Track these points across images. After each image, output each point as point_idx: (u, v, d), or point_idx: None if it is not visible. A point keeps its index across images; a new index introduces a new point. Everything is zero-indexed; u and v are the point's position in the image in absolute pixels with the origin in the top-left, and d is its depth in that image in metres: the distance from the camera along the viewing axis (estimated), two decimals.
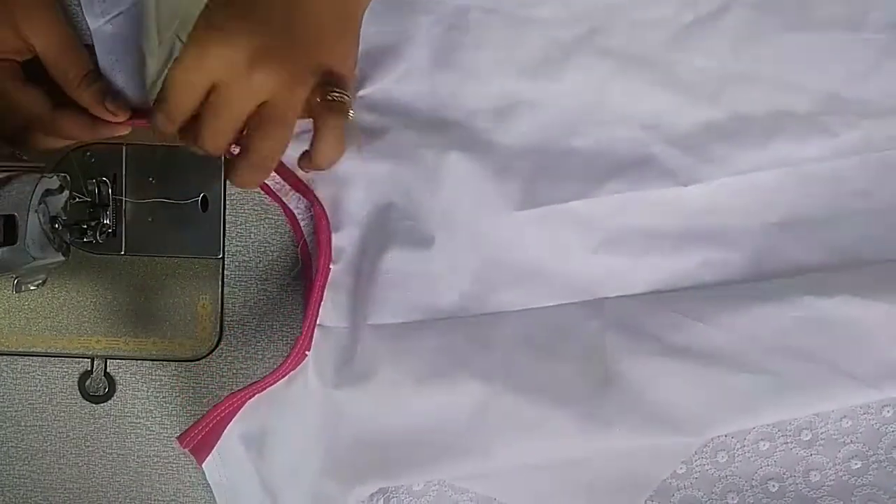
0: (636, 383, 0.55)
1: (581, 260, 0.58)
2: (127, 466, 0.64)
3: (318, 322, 0.58)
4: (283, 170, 0.58)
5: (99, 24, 0.58)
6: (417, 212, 0.58)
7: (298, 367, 0.58)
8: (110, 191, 0.59)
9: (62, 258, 0.56)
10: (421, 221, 0.58)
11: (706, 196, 0.57)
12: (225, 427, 0.58)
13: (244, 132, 0.50)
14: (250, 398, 0.58)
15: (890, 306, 0.55)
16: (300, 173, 0.58)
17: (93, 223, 0.59)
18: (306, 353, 0.58)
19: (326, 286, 0.58)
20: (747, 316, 0.56)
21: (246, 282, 0.63)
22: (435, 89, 0.58)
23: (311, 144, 0.52)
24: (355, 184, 0.58)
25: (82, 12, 0.58)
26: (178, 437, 0.58)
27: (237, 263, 0.62)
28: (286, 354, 0.57)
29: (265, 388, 0.57)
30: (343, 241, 0.59)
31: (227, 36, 0.47)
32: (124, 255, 0.60)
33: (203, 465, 0.58)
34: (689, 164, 0.57)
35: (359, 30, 0.53)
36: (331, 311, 0.58)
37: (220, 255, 0.62)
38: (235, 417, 0.58)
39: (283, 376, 0.57)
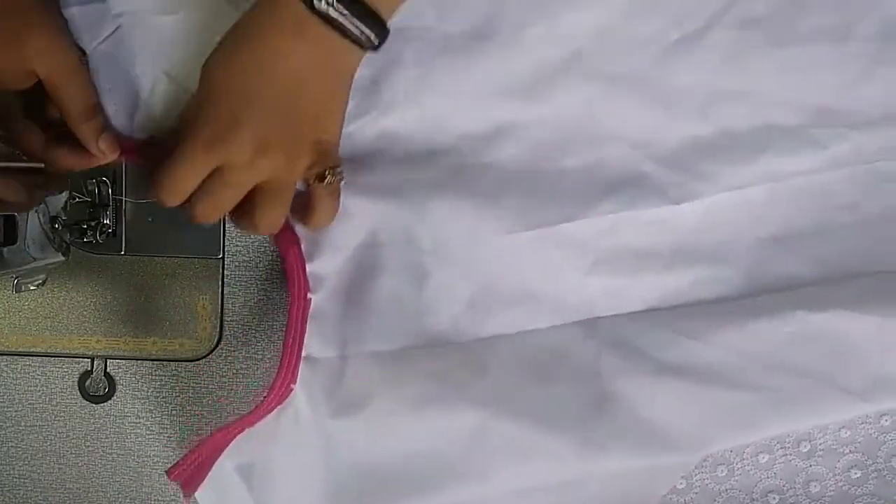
0: (632, 403, 0.56)
1: (574, 281, 0.58)
2: (127, 466, 0.64)
3: (304, 354, 0.57)
4: None
5: (93, 45, 0.57)
6: (407, 239, 0.57)
7: (286, 401, 0.57)
8: (110, 191, 0.59)
9: (62, 258, 0.57)
10: (411, 248, 0.57)
11: (698, 213, 0.57)
12: (215, 461, 0.57)
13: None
14: (239, 433, 0.57)
15: (882, 319, 0.55)
16: None
17: (93, 223, 0.59)
18: (292, 386, 0.57)
19: (308, 317, 0.58)
20: (741, 333, 0.56)
21: (246, 282, 0.63)
22: (423, 115, 0.58)
23: (307, 212, 0.55)
24: (343, 214, 0.57)
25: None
26: (167, 471, 0.57)
27: (237, 263, 0.62)
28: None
29: (254, 424, 0.57)
30: (324, 268, 0.58)
31: (235, 129, 0.49)
32: (124, 255, 0.60)
33: (197, 496, 0.57)
34: (680, 181, 0.57)
35: (349, 93, 0.53)
36: (317, 342, 0.58)
37: (220, 255, 0.62)
38: (225, 452, 0.57)
39: (269, 412, 0.57)
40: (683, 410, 0.56)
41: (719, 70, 0.57)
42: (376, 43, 0.50)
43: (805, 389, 0.55)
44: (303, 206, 0.55)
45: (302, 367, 0.57)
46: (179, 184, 0.51)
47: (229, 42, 0.50)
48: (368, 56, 0.52)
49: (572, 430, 0.56)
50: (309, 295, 0.57)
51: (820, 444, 0.58)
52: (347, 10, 0.48)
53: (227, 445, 0.57)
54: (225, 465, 0.57)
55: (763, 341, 0.56)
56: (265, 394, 0.57)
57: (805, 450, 0.58)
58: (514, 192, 0.57)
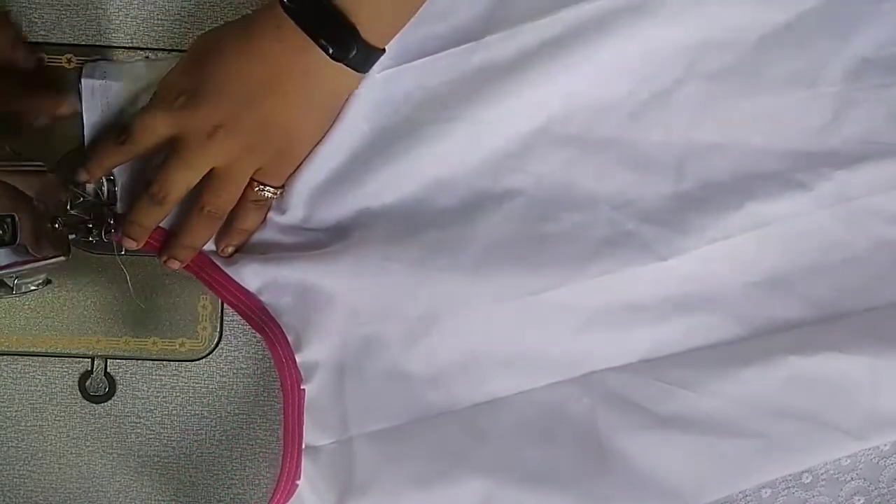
0: (631, 458, 0.57)
1: (566, 339, 0.58)
2: (127, 466, 0.64)
3: (304, 445, 0.57)
4: (239, 308, 0.58)
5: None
6: (394, 315, 0.58)
7: (292, 498, 0.58)
8: (116, 189, 0.59)
9: (62, 258, 0.56)
10: (398, 323, 0.58)
11: (686, 266, 0.57)
12: None
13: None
14: None
15: (873, 359, 0.56)
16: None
17: (96, 221, 0.59)
18: (296, 483, 0.57)
19: (305, 409, 0.58)
20: (734, 380, 0.56)
21: None
22: (402, 197, 0.58)
23: (233, 216, 0.57)
24: (325, 300, 0.58)
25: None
26: None
27: None
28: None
29: None
30: (314, 356, 0.58)
31: (202, 102, 0.52)
32: (124, 255, 0.60)
33: None
34: (666, 237, 0.57)
35: (337, 109, 0.55)
36: (316, 431, 0.58)
37: None
38: None
39: None
40: (683, 462, 0.57)
41: (692, 123, 0.57)
42: (351, 55, 0.52)
43: (801, 433, 0.56)
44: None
45: (304, 460, 0.57)
46: (139, 136, 0.54)
47: (230, 26, 0.53)
48: (353, 153, 0.56)
49: (575, 489, 0.57)
50: (302, 386, 0.58)
51: (822, 475, 0.59)
52: (314, 10, 0.50)
53: None
54: None
55: (757, 388, 0.56)
56: (272, 493, 0.57)
57: (807, 481, 0.59)
58: (499, 262, 0.57)
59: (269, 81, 0.52)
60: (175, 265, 0.57)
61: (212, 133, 0.52)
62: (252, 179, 0.55)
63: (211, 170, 0.54)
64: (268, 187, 0.56)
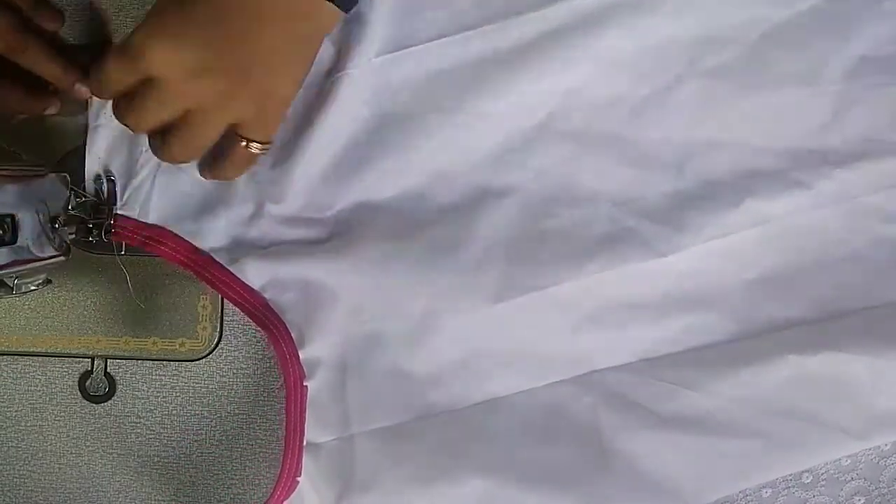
0: (632, 458, 0.57)
1: (565, 338, 0.58)
2: (127, 466, 0.64)
3: (305, 441, 0.57)
4: (242, 306, 0.58)
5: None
6: (395, 313, 0.58)
7: (292, 495, 0.57)
8: (116, 188, 0.59)
9: (62, 258, 0.56)
10: (400, 321, 0.58)
11: (685, 263, 0.57)
12: None
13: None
14: None
15: (873, 358, 0.56)
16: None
17: (96, 221, 0.59)
18: (297, 479, 0.57)
19: (307, 405, 0.58)
20: (734, 380, 0.57)
21: None
22: (405, 192, 0.58)
23: (215, 159, 0.54)
24: (328, 298, 0.58)
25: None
26: None
27: None
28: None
29: None
30: (317, 353, 0.58)
31: (178, 41, 0.48)
32: (124, 255, 0.60)
33: None
34: (665, 234, 0.57)
35: (312, 59, 0.53)
36: (317, 428, 0.58)
37: None
38: None
39: None
40: (684, 462, 0.57)
41: (692, 121, 0.58)
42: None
43: (801, 432, 0.57)
44: (213, 153, 0.54)
45: (305, 457, 0.57)
46: (113, 75, 0.50)
47: None
48: (352, 140, 0.54)
49: (575, 489, 0.57)
50: (305, 382, 0.58)
51: (822, 475, 0.59)
52: None
53: None
54: None
55: (757, 387, 0.56)
56: (272, 489, 0.57)
57: (807, 481, 0.59)
58: (500, 260, 0.57)
59: (254, 21, 0.49)
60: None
61: (191, 75, 0.49)
62: (237, 135, 0.52)
63: (186, 112, 0.51)
64: (254, 143, 0.53)
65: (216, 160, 0.55)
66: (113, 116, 0.52)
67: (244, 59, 0.50)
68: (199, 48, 0.49)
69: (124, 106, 0.51)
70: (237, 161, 0.54)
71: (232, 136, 0.52)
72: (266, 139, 0.53)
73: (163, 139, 0.52)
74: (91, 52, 0.59)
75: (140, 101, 0.50)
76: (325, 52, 0.57)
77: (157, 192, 0.58)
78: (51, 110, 0.57)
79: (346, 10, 0.50)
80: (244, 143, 0.53)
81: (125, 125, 0.52)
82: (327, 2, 0.49)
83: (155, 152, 0.53)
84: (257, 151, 0.53)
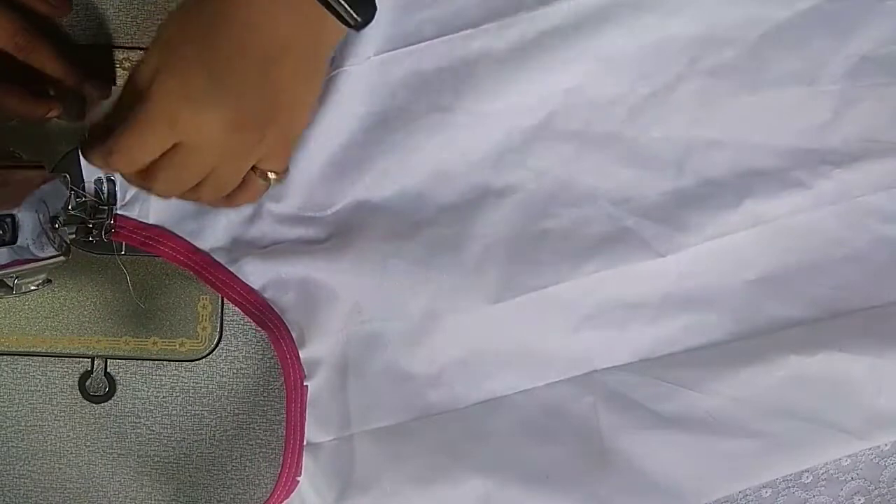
0: (632, 458, 0.57)
1: (564, 338, 0.58)
2: (127, 466, 0.64)
3: (305, 441, 0.57)
4: (243, 306, 0.58)
5: None
6: (395, 313, 0.58)
7: (292, 494, 0.57)
8: (116, 189, 0.59)
9: (62, 258, 0.56)
10: (400, 321, 0.58)
11: (684, 262, 0.57)
12: None
13: None
14: None
15: (873, 358, 0.56)
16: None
17: (96, 221, 0.59)
18: (297, 479, 0.57)
19: (307, 405, 0.58)
20: (734, 380, 0.57)
21: None
22: (404, 192, 0.58)
23: (231, 196, 0.52)
24: (328, 297, 0.58)
25: None
26: None
27: None
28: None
29: None
30: (318, 352, 0.58)
31: (203, 109, 0.46)
32: (124, 255, 0.60)
33: None
34: (664, 234, 0.57)
35: (317, 95, 0.52)
36: (317, 427, 0.58)
37: None
38: None
39: None
40: (684, 462, 0.57)
41: (692, 120, 0.58)
42: (360, 20, 0.47)
43: (802, 432, 0.56)
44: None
45: (305, 457, 0.57)
46: (137, 155, 0.47)
47: (192, 1, 0.46)
48: (351, 138, 0.54)
49: (575, 489, 0.57)
50: (305, 382, 0.58)
51: (822, 475, 0.59)
52: None
53: None
54: None
55: (758, 387, 0.56)
56: (272, 489, 0.57)
57: (807, 481, 0.59)
58: (499, 260, 0.57)
59: (273, 57, 0.46)
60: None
61: (222, 134, 0.46)
62: (255, 168, 0.51)
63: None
64: (272, 174, 0.51)
65: (228, 197, 0.53)
66: None
67: (269, 108, 0.48)
68: (227, 109, 0.46)
69: (157, 181, 0.48)
70: (254, 192, 0.52)
71: (249, 172, 0.51)
72: (282, 168, 0.52)
73: (193, 191, 0.50)
74: (93, 53, 0.59)
75: (173, 169, 0.48)
76: None
77: None
78: (52, 114, 0.56)
79: (359, 28, 0.48)
80: (262, 178, 0.51)
81: (163, 196, 0.50)
82: (334, 17, 0.47)
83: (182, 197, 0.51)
84: (275, 180, 0.52)
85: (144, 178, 0.49)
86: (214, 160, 0.48)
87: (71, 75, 0.55)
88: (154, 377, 0.63)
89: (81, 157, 0.57)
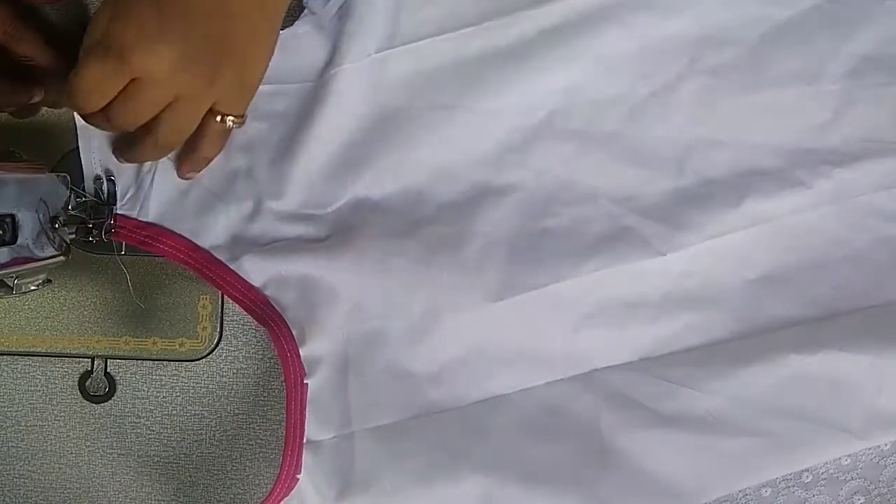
0: (633, 457, 0.57)
1: (565, 336, 0.58)
2: (127, 466, 0.64)
3: (305, 439, 0.57)
4: (243, 303, 0.58)
5: None
6: (395, 312, 0.58)
7: (292, 492, 0.57)
8: (116, 189, 0.59)
9: (62, 258, 0.56)
10: (400, 320, 0.58)
11: (684, 261, 0.57)
12: None
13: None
14: None
15: (874, 357, 0.56)
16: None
17: (96, 221, 0.59)
18: (297, 476, 0.57)
19: (307, 402, 0.58)
20: (735, 379, 0.57)
21: None
22: (405, 189, 0.58)
23: (191, 142, 0.55)
24: (329, 296, 0.58)
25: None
26: None
27: None
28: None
29: None
30: (318, 350, 0.58)
31: (159, 39, 0.49)
32: (124, 255, 0.60)
33: None
34: (664, 233, 0.57)
35: (277, 35, 0.54)
36: (317, 425, 0.58)
37: None
38: None
39: None
40: (684, 461, 0.57)
41: (693, 120, 0.58)
42: None
43: (802, 431, 0.57)
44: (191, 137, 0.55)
45: (305, 455, 0.57)
46: (95, 92, 0.50)
47: None
48: (351, 136, 0.55)
49: (575, 488, 0.57)
50: (305, 380, 0.58)
51: (822, 474, 0.59)
52: None
53: None
54: None
55: (758, 386, 0.56)
56: (272, 487, 0.57)
57: (807, 480, 0.59)
58: (499, 259, 0.58)
59: (227, 4, 0.50)
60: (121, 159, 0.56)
61: (176, 69, 0.49)
62: (213, 110, 0.53)
63: (171, 103, 0.52)
64: (229, 117, 0.54)
65: (191, 147, 0.55)
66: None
67: (222, 44, 0.50)
68: (179, 42, 0.49)
69: (107, 114, 0.51)
70: (214, 137, 0.55)
71: (207, 114, 0.53)
72: (242, 112, 0.54)
73: (147, 135, 0.53)
74: (80, 41, 0.59)
75: (130, 102, 0.50)
76: (323, 47, 0.57)
77: (156, 192, 0.58)
78: (36, 99, 0.57)
79: None
80: (219, 119, 0.54)
81: (112, 128, 0.52)
82: None
83: (140, 149, 0.54)
84: (233, 125, 0.54)
85: (104, 119, 0.51)
86: (168, 94, 0.51)
87: (58, 63, 0.55)
88: (154, 377, 0.63)
89: (81, 157, 0.58)
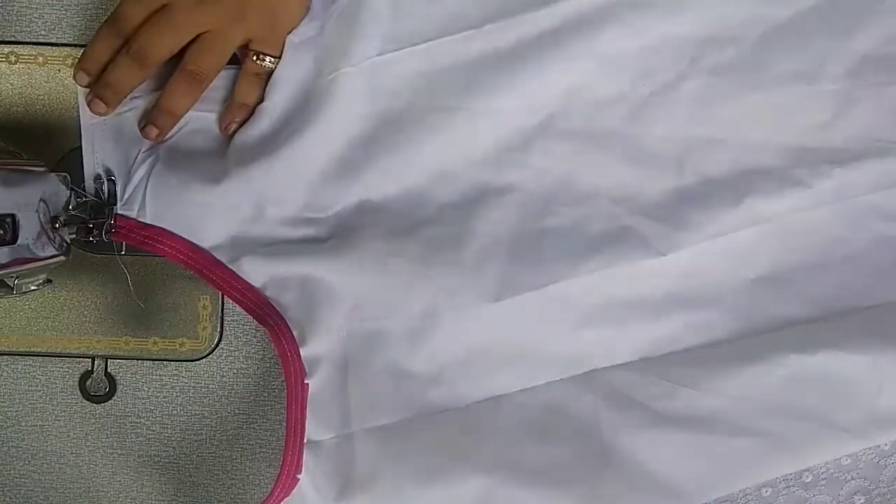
0: (633, 458, 0.57)
1: (565, 336, 0.58)
2: (127, 466, 0.64)
3: (305, 439, 0.57)
4: (244, 303, 0.58)
5: None
6: (396, 312, 0.58)
7: (293, 492, 0.57)
8: (117, 188, 0.59)
9: (62, 258, 0.56)
10: (401, 323, 0.58)
11: (684, 261, 0.57)
12: None
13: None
14: None
15: (874, 357, 0.56)
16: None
17: (96, 221, 0.59)
18: (297, 476, 0.57)
19: (307, 403, 0.58)
20: (735, 379, 0.57)
21: None
22: (406, 190, 0.58)
23: (234, 92, 0.58)
24: (329, 296, 0.58)
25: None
26: None
27: None
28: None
29: None
30: (318, 350, 0.58)
31: None
32: (124, 255, 0.60)
33: None
34: (664, 233, 0.57)
35: None
36: (318, 425, 0.58)
37: None
38: None
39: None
40: (685, 461, 0.57)
41: (693, 119, 0.58)
42: None
43: (802, 431, 0.56)
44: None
45: (305, 455, 0.57)
46: (131, 8, 0.54)
47: None
48: (353, 139, 0.55)
49: (576, 488, 0.57)
50: (305, 380, 0.58)
51: (822, 474, 0.59)
52: None
53: None
54: None
55: (758, 386, 0.56)
56: (272, 487, 0.57)
57: (807, 480, 0.59)
58: (499, 259, 0.58)
59: None
60: (153, 132, 0.57)
61: (196, 2, 0.54)
62: (249, 50, 0.57)
63: (197, 35, 0.55)
64: (267, 56, 0.57)
65: (231, 94, 0.58)
66: (95, 113, 0.56)
67: None
68: None
69: (142, 35, 0.54)
70: (251, 78, 0.58)
71: (244, 54, 0.57)
72: (277, 52, 0.57)
73: (180, 71, 0.56)
74: None
75: (158, 24, 0.54)
76: (325, 50, 0.57)
77: (156, 192, 0.58)
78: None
79: None
80: (255, 58, 0.57)
81: (146, 54, 0.54)
82: None
83: (167, 98, 0.56)
84: (271, 64, 0.57)
85: (136, 41, 0.55)
86: (194, 22, 0.54)
87: None
88: (154, 377, 0.63)
89: (83, 156, 0.58)
